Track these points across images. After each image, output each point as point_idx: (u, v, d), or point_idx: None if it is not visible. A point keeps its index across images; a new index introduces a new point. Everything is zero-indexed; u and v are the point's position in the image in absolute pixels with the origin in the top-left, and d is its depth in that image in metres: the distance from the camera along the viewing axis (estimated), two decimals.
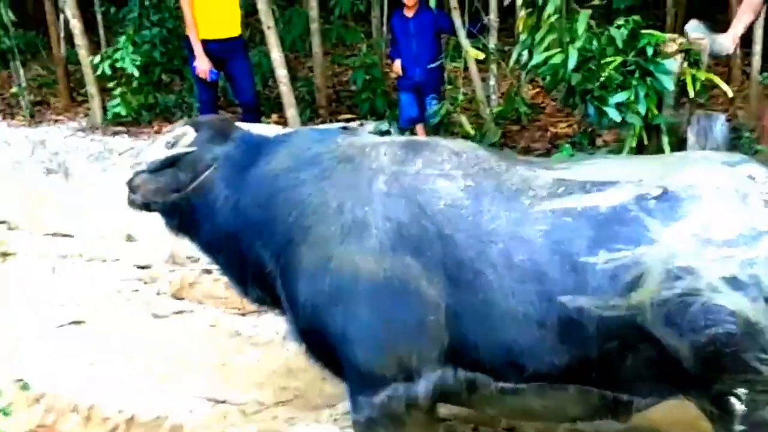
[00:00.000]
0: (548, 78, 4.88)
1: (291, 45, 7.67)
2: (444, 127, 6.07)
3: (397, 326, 2.70)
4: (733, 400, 2.48)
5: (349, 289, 2.72)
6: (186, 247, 5.68)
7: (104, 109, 7.46)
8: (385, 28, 8.42)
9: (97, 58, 7.21)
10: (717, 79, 5.15)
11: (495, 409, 2.97)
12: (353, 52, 8.43)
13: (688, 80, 4.84)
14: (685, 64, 4.90)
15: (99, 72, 7.17)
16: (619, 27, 4.85)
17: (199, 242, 3.31)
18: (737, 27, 4.46)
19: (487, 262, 2.59)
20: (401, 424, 2.83)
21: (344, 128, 3.41)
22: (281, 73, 6.32)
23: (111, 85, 7.30)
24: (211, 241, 3.21)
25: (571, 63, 4.66)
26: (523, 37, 5.16)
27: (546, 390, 2.69)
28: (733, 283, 2.38)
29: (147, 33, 7.25)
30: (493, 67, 6.08)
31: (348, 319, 2.74)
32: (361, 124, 6.58)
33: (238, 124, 3.40)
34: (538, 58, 4.79)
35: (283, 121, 7.02)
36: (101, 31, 8.10)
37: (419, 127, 6.35)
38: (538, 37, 4.81)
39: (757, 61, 5.61)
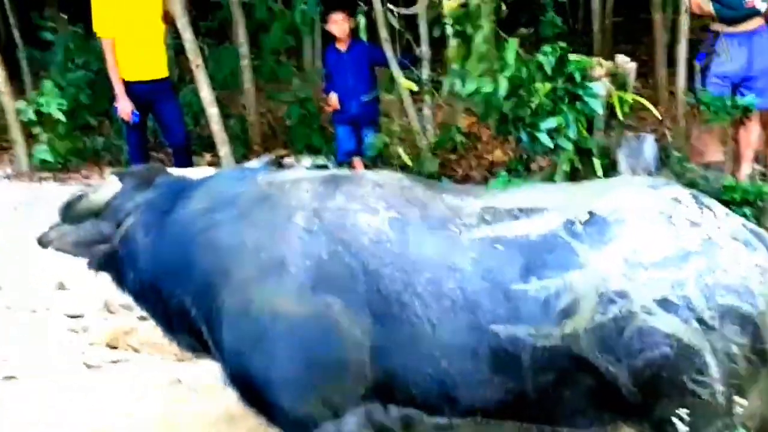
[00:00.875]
0: (482, 106, 4.92)
1: (222, 82, 7.59)
2: (381, 159, 6.05)
3: (319, 367, 2.64)
4: (674, 424, 2.45)
5: (270, 331, 2.65)
6: (119, 295, 5.59)
7: (30, 156, 7.25)
8: (317, 62, 8.45)
9: (22, 104, 7.00)
10: (644, 101, 5.28)
11: None
12: (286, 87, 8.40)
13: (616, 102, 4.96)
14: (613, 87, 5.02)
15: (24, 118, 6.98)
16: (546, 54, 4.94)
17: (129, 292, 3.19)
18: None
19: (414, 293, 2.54)
20: None
21: (279, 164, 3.33)
22: (212, 111, 6.23)
23: (36, 130, 7.10)
24: (137, 290, 3.09)
25: (502, 91, 4.72)
26: (454, 66, 5.22)
27: (481, 426, 2.63)
28: (665, 305, 2.37)
29: (72, 76, 7.09)
30: (427, 97, 6.11)
31: (270, 362, 2.67)
32: (298, 160, 6.62)
33: (169, 170, 3.30)
34: (469, 87, 4.83)
35: (216, 160, 6.93)
36: (25, 76, 7.91)
37: (357, 161, 6.32)
38: (468, 66, 4.85)
39: (681, 80, 5.76)
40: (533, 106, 4.85)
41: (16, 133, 7.24)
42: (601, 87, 4.87)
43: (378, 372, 2.61)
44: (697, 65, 4.92)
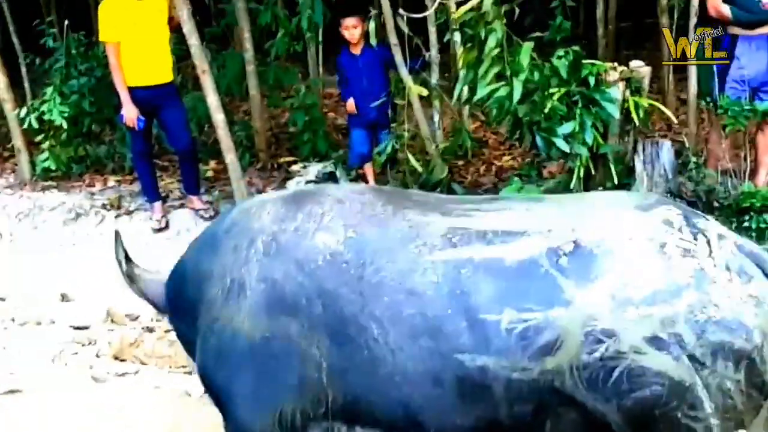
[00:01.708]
0: (494, 111, 4.84)
1: (227, 88, 7.50)
2: (391, 165, 5.97)
3: (276, 386, 2.65)
4: None
5: (230, 349, 2.72)
6: (123, 304, 5.51)
7: (32, 164, 7.16)
8: (321, 69, 8.37)
9: (24, 111, 6.90)
10: (660, 106, 5.21)
11: None
12: (289, 93, 8.32)
13: (632, 107, 4.87)
14: (627, 92, 4.94)
15: (26, 125, 6.88)
16: (560, 58, 4.86)
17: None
18: None
19: (371, 317, 2.47)
20: None
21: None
22: (218, 117, 6.12)
23: (39, 138, 7.01)
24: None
25: (517, 95, 4.63)
26: (463, 72, 5.13)
27: None
28: (656, 342, 2.27)
29: (75, 83, 6.98)
30: (437, 102, 6.03)
31: (231, 378, 2.75)
32: (305, 167, 6.54)
33: None
34: (482, 92, 4.75)
35: (222, 167, 6.84)
36: (26, 83, 7.82)
37: (367, 167, 6.26)
38: (481, 71, 4.77)
39: (693, 85, 5.69)
40: (547, 110, 4.77)
41: (18, 142, 7.16)
42: (617, 91, 4.79)
43: (338, 393, 2.57)
44: (714, 69, 4.84)
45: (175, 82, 6.48)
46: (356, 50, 6.09)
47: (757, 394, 2.36)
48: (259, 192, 6.29)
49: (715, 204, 4.82)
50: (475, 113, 7.30)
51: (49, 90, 6.87)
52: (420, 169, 5.56)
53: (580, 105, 4.80)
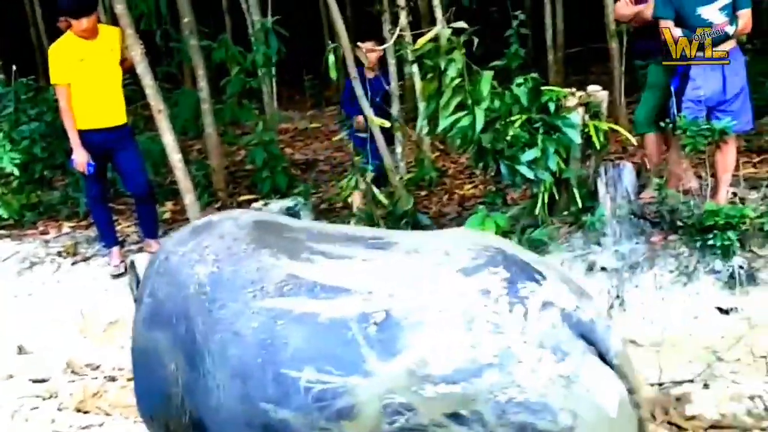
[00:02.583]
0: (458, 141, 4.84)
1: (181, 128, 7.39)
2: (377, 183, 5.81)
3: (152, 394, 2.89)
4: None
5: (132, 354, 3.04)
6: (84, 354, 5.32)
7: None
8: (276, 104, 8.32)
9: None
10: (620, 128, 5.27)
11: None
12: (244, 130, 8.24)
13: (592, 132, 4.92)
14: (587, 117, 4.99)
15: None
16: (519, 85, 4.90)
17: None
18: None
19: (208, 349, 2.58)
20: None
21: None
22: (175, 158, 6.00)
23: None
24: None
25: (479, 124, 4.67)
26: (423, 104, 5.13)
27: None
28: (457, 419, 2.24)
29: (25, 128, 6.82)
30: (399, 134, 6.00)
31: (135, 380, 3.10)
32: (266, 204, 6.43)
33: None
34: (445, 123, 4.76)
35: (179, 208, 6.71)
36: None
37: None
38: (442, 101, 4.79)
39: None
40: (509, 138, 4.79)
41: None
42: (577, 117, 4.84)
43: (192, 410, 2.69)
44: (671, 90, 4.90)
45: (129, 124, 6.35)
46: (370, 74, 6.03)
47: None
48: None
49: (679, 223, 4.87)
50: (434, 143, 7.32)
51: None
52: (385, 201, 5.52)
53: (541, 131, 4.84)
